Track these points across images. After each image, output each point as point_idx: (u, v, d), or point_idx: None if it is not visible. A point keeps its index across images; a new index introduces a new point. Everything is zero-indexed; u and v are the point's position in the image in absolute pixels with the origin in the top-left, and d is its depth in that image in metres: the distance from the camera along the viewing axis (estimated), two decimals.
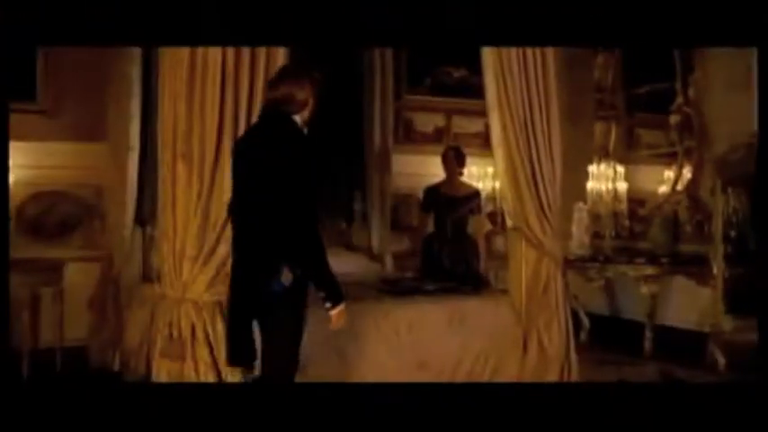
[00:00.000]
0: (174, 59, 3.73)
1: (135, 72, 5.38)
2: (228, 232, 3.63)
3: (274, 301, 3.17)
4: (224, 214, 3.62)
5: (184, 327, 3.65)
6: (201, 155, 3.66)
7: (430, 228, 6.15)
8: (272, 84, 3.38)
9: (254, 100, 3.73)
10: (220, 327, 3.66)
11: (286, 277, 3.13)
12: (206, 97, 3.67)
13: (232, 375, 3.40)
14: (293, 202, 3.12)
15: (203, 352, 3.63)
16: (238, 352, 3.28)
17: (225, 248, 3.65)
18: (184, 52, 3.68)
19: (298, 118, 3.28)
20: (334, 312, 3.26)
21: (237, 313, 3.29)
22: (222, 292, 3.69)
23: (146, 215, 5.49)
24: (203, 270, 3.68)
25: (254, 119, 3.69)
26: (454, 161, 6.00)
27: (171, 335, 3.66)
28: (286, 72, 3.42)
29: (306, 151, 3.21)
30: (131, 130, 5.39)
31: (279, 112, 3.28)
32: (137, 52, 5.29)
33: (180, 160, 3.66)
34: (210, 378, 3.60)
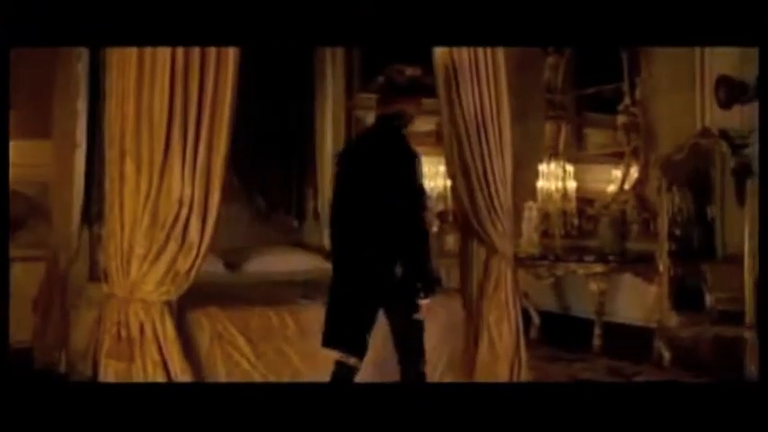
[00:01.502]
0: (122, 57, 3.66)
1: (82, 69, 5.29)
2: (177, 230, 3.60)
3: (389, 291, 3.59)
4: (173, 213, 3.59)
5: (133, 326, 3.59)
6: (150, 153, 3.60)
7: None
8: (384, 100, 3.83)
9: (204, 98, 3.68)
10: (170, 326, 3.62)
11: (398, 270, 3.56)
12: (154, 95, 3.61)
13: (182, 375, 3.48)
14: (407, 206, 3.59)
15: (152, 351, 3.58)
16: (339, 336, 3.61)
17: (174, 247, 3.61)
18: (132, 50, 3.63)
19: (405, 131, 3.76)
20: (425, 302, 3.63)
21: (348, 301, 3.62)
22: (171, 291, 3.65)
23: (93, 214, 5.40)
24: (152, 269, 3.62)
25: (205, 117, 3.66)
26: None
27: (119, 335, 3.60)
28: (399, 90, 3.90)
29: (417, 164, 3.69)
30: (78, 127, 5.31)
31: (392, 127, 3.74)
32: (84, 49, 5.20)
33: (128, 158, 3.60)
34: (159, 377, 3.55)
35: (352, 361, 3.59)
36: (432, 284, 3.68)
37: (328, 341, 3.64)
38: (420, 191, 3.71)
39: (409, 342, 3.67)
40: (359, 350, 3.60)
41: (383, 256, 3.58)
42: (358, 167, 3.72)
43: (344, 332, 3.62)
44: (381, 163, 3.66)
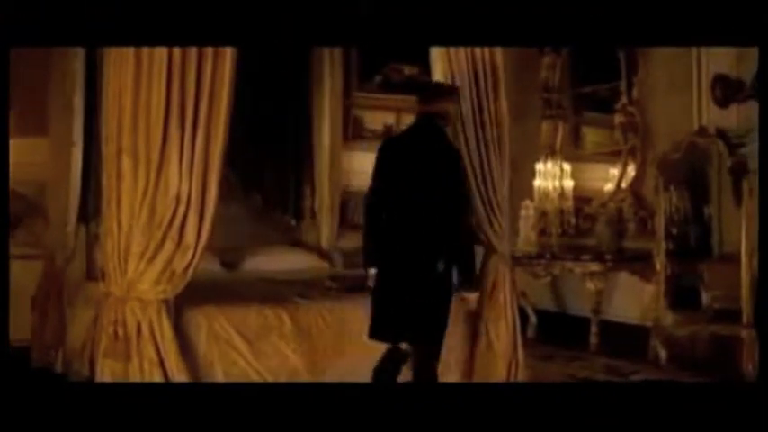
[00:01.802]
0: (119, 53, 3.65)
1: (78, 66, 5.28)
2: (174, 228, 3.60)
3: (430, 284, 3.74)
4: (170, 211, 3.59)
5: (130, 325, 3.58)
6: (147, 150, 3.59)
7: None
8: (426, 99, 3.94)
9: (201, 94, 3.67)
10: (167, 324, 3.61)
11: (440, 265, 3.73)
12: (152, 92, 3.60)
13: (178, 374, 3.50)
14: (452, 203, 3.79)
15: (149, 350, 3.57)
16: (385, 328, 3.76)
17: (171, 245, 3.61)
18: (130, 48, 3.62)
19: (447, 130, 3.94)
20: (471, 296, 4.21)
21: (391, 294, 3.76)
22: (168, 289, 3.64)
23: (89, 212, 5.39)
24: (149, 267, 3.61)
25: (202, 114, 3.65)
26: None
27: (116, 334, 3.59)
28: (441, 90, 4.04)
29: (459, 162, 3.95)
30: (74, 124, 5.30)
31: (434, 126, 3.87)
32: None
33: (125, 156, 3.59)
34: (156, 376, 3.55)
35: (403, 347, 3.77)
36: (477, 278, 3.95)
37: (374, 333, 3.79)
38: (465, 188, 3.98)
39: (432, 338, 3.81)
40: (402, 340, 3.77)
41: (427, 251, 3.73)
42: (401, 162, 3.85)
43: (389, 324, 3.75)
44: (426, 159, 3.81)
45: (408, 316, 3.72)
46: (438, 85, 4.28)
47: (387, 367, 3.77)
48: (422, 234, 3.75)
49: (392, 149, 3.96)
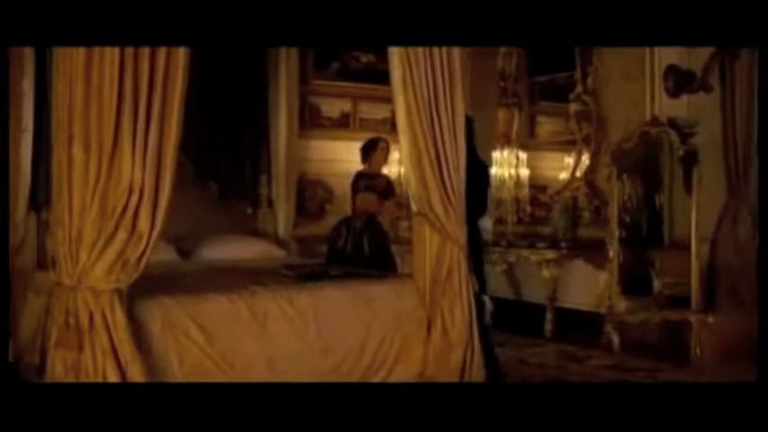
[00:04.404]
0: None
1: (28, 51, 5.16)
2: (128, 217, 3.54)
3: None
4: (123, 199, 3.53)
5: (82, 315, 3.52)
6: (99, 137, 3.52)
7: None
8: None
9: (156, 79, 3.60)
10: (120, 314, 3.56)
11: None
12: (104, 78, 3.52)
13: (132, 364, 3.46)
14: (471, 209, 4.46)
15: (102, 340, 3.51)
16: None
17: (124, 234, 3.55)
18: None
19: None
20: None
21: None
22: (122, 279, 3.58)
23: (40, 200, 5.29)
24: (102, 257, 3.55)
25: (156, 100, 3.59)
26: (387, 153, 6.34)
27: (67, 324, 3.53)
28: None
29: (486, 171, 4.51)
30: (24, 111, 5.18)
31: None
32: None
33: (76, 143, 3.52)
34: (109, 366, 3.50)
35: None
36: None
37: None
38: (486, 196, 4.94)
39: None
40: None
41: None
42: None
43: None
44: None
45: None
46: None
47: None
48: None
49: None
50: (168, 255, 5.65)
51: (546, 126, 8.08)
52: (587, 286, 6.80)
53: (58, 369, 3.50)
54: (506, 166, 7.65)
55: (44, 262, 5.04)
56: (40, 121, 5.20)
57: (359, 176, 6.26)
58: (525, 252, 6.93)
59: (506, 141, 7.73)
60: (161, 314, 3.90)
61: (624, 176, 6.34)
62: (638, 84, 6.46)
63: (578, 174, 7.21)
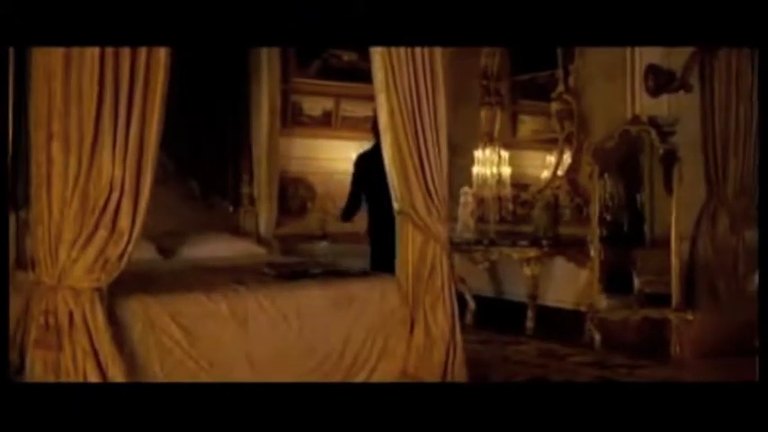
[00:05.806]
0: None
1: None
2: (108, 215, 3.51)
3: None
4: (103, 197, 3.50)
5: (61, 315, 3.49)
6: (79, 134, 3.49)
7: None
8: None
9: (137, 76, 3.57)
10: (100, 313, 3.53)
11: None
12: (83, 75, 3.50)
13: (113, 364, 3.44)
14: None
15: (82, 340, 3.49)
16: None
17: (104, 233, 3.52)
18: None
19: None
20: None
21: None
22: (102, 278, 3.56)
23: (19, 198, 5.24)
24: (82, 255, 3.52)
25: (137, 96, 3.56)
26: None
27: (47, 323, 3.49)
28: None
29: None
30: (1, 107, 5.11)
31: None
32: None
33: (55, 141, 3.48)
34: (89, 366, 3.47)
35: None
36: None
37: None
38: None
39: None
40: None
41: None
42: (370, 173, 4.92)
43: None
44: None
45: None
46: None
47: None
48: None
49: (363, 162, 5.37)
50: (149, 253, 5.60)
51: (528, 125, 8.12)
52: (569, 284, 6.83)
53: (38, 369, 3.47)
54: (489, 164, 7.67)
55: (23, 261, 4.98)
56: (18, 119, 5.13)
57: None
58: (507, 250, 6.94)
59: (489, 140, 7.75)
60: (142, 313, 3.87)
61: (606, 175, 6.38)
62: (620, 83, 6.49)
63: (560, 172, 7.24)
